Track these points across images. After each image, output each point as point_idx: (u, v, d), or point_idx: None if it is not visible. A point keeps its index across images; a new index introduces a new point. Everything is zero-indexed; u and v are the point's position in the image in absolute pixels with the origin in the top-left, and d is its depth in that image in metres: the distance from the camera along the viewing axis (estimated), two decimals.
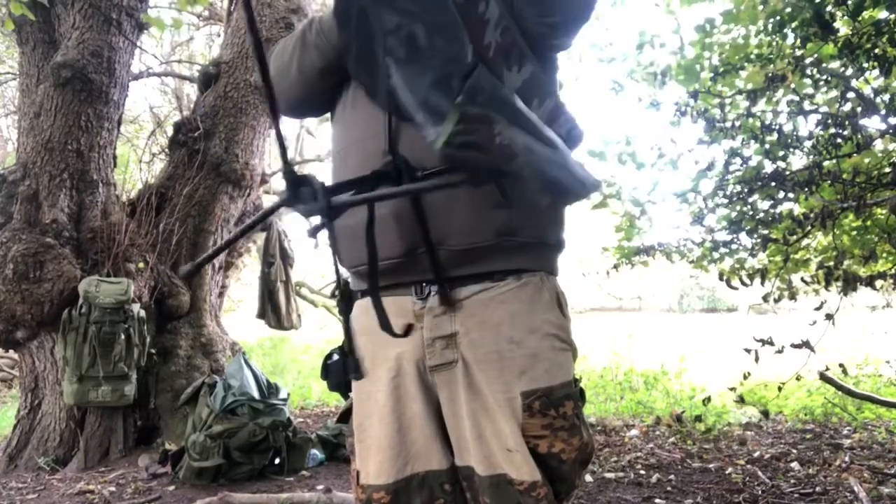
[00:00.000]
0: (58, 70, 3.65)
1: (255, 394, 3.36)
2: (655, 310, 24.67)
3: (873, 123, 2.68)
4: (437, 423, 1.06)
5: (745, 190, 2.94)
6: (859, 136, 2.55)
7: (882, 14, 2.47)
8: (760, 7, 2.81)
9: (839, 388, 3.80)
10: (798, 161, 3.07)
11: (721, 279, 3.14)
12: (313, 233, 0.91)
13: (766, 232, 2.99)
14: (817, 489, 2.77)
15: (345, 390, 1.21)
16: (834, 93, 2.87)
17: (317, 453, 3.54)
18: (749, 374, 2.85)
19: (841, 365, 3.19)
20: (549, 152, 0.79)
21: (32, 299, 3.48)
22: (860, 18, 2.47)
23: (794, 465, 3.19)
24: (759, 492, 2.79)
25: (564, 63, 5.06)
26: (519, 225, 1.02)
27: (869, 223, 3.06)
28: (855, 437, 3.75)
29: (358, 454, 1.11)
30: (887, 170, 2.61)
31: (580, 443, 1.02)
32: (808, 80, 2.85)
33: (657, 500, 2.74)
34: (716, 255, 3.48)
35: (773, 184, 2.80)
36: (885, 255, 3.15)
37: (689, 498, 2.76)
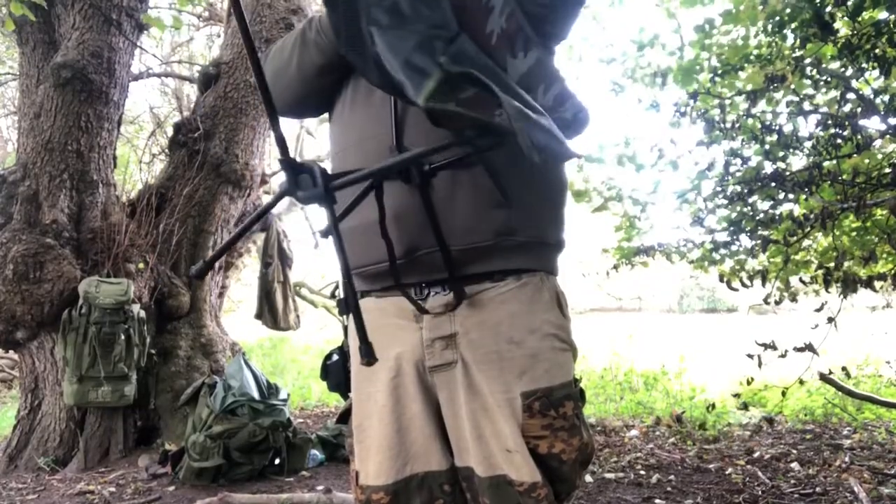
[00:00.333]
0: (58, 70, 3.65)
1: (255, 394, 3.36)
2: (655, 310, 24.66)
3: (873, 124, 2.68)
4: (437, 424, 1.06)
5: (745, 190, 2.94)
6: (859, 137, 2.55)
7: (882, 15, 2.47)
8: (760, 8, 2.81)
9: (839, 388, 3.80)
10: (798, 162, 3.07)
11: (721, 280, 3.14)
12: (326, 234, 0.91)
13: (766, 233, 2.99)
14: (817, 489, 2.77)
15: (344, 390, 1.21)
16: (834, 93, 2.88)
17: (317, 454, 3.54)
18: (752, 379, 2.85)
19: (844, 368, 3.19)
20: (536, 116, 0.79)
21: (32, 300, 3.48)
22: (860, 19, 2.47)
23: (795, 465, 3.19)
24: (759, 492, 2.79)
25: (564, 63, 5.06)
26: (518, 225, 1.02)
27: (869, 224, 3.06)
28: (855, 438, 3.75)
29: (357, 455, 1.11)
30: (887, 170, 2.61)
31: (580, 443, 1.02)
32: (807, 81, 2.85)
33: (657, 501, 2.74)
34: (716, 256, 3.48)
35: (773, 184, 2.80)
36: (884, 255, 3.15)
37: (689, 498, 2.76)
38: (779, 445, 3.64)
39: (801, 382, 2.92)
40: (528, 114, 0.75)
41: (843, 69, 2.71)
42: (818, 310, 2.69)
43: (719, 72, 2.94)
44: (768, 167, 2.92)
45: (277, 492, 2.97)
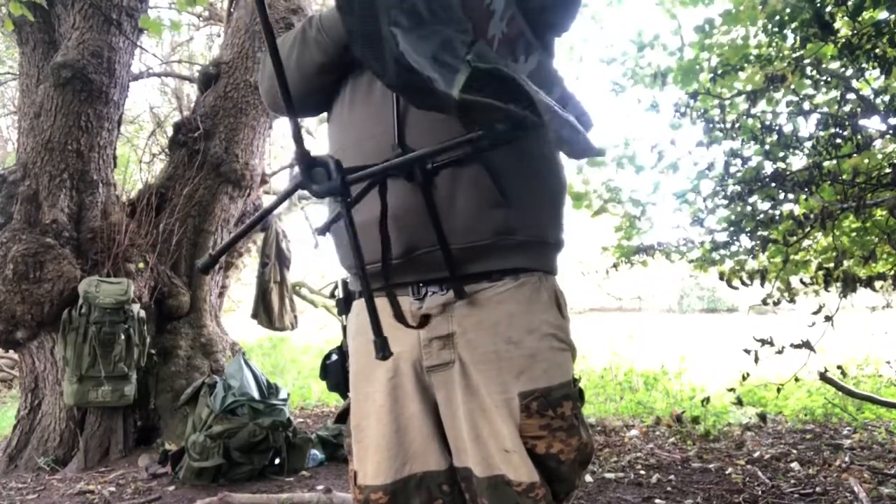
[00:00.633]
0: (58, 70, 3.65)
1: (255, 394, 3.36)
2: (655, 310, 24.66)
3: (873, 124, 2.68)
4: (435, 424, 1.06)
5: (745, 191, 2.94)
6: (859, 137, 2.55)
7: (882, 14, 2.47)
8: (760, 7, 2.81)
9: (839, 388, 3.80)
10: (798, 162, 3.07)
11: (721, 279, 3.14)
12: (323, 231, 0.91)
13: (765, 233, 2.99)
14: (817, 489, 2.77)
15: (343, 390, 1.21)
16: (834, 93, 2.88)
17: (317, 453, 3.54)
18: (748, 374, 2.84)
19: (840, 367, 3.19)
20: (562, 112, 0.79)
21: (32, 299, 3.48)
22: (860, 19, 2.47)
23: (794, 465, 3.19)
24: (759, 492, 2.79)
25: (564, 64, 5.06)
26: (518, 224, 1.02)
27: (869, 224, 3.06)
28: (855, 438, 3.75)
29: (356, 455, 1.11)
30: (887, 170, 2.61)
31: (579, 443, 1.02)
32: (807, 81, 2.85)
33: (657, 501, 2.74)
34: (716, 256, 3.48)
35: (773, 184, 2.80)
36: (884, 255, 3.15)
37: (689, 498, 2.76)
38: (779, 445, 3.64)
39: (797, 380, 2.92)
40: (556, 109, 0.76)
41: (843, 69, 2.71)
42: (816, 312, 2.69)
43: (719, 72, 2.93)
44: (768, 167, 2.92)
45: (277, 492, 2.97)
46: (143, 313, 3.71)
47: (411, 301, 1.05)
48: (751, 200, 3.09)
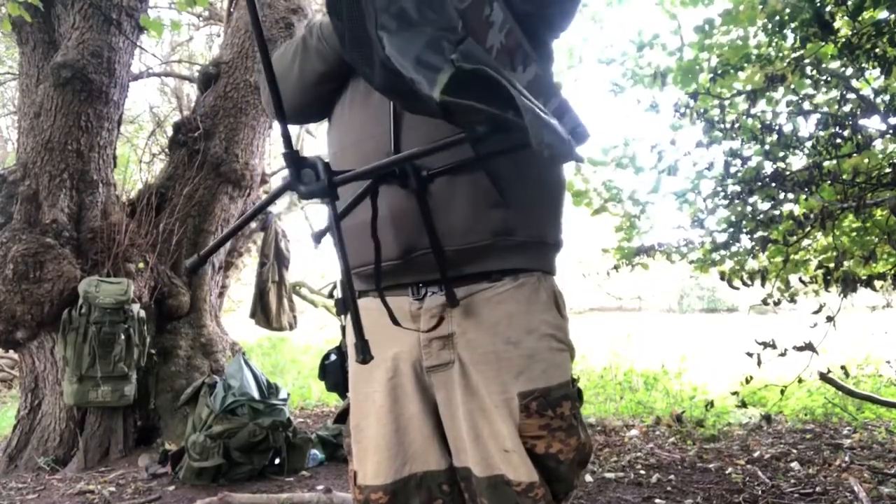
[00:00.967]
0: (58, 70, 3.65)
1: (255, 394, 3.37)
2: (655, 310, 24.64)
3: (873, 124, 2.68)
4: (435, 424, 1.06)
5: (745, 191, 2.94)
6: (859, 137, 2.54)
7: (882, 14, 2.47)
8: (760, 7, 2.81)
9: (839, 388, 3.80)
10: (798, 161, 3.07)
11: (722, 279, 3.14)
12: (318, 238, 0.91)
13: (765, 233, 2.99)
14: (817, 489, 2.77)
15: (342, 390, 1.21)
16: (834, 93, 2.88)
17: (317, 453, 3.54)
18: (751, 378, 2.84)
19: (843, 367, 3.19)
20: (545, 115, 0.79)
21: (32, 299, 3.48)
22: (860, 18, 2.47)
23: (795, 465, 3.19)
24: (759, 492, 2.79)
25: (564, 64, 5.05)
26: (517, 224, 1.02)
27: (869, 224, 3.06)
28: (855, 437, 3.75)
29: (355, 455, 1.11)
30: (887, 170, 2.61)
31: (578, 443, 1.02)
32: (807, 81, 2.85)
33: (657, 501, 2.74)
34: (716, 256, 3.48)
35: (773, 184, 2.80)
36: (884, 255, 3.15)
37: (689, 498, 2.76)
38: (779, 445, 3.64)
39: (800, 381, 2.91)
40: (539, 112, 0.76)
41: (843, 69, 2.71)
42: (816, 311, 2.69)
43: (719, 72, 2.93)
44: (768, 167, 2.92)
45: (277, 492, 2.97)
46: (143, 313, 3.71)
47: (411, 301, 1.05)
48: (751, 200, 3.09)
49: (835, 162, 2.71)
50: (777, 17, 2.69)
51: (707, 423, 4.17)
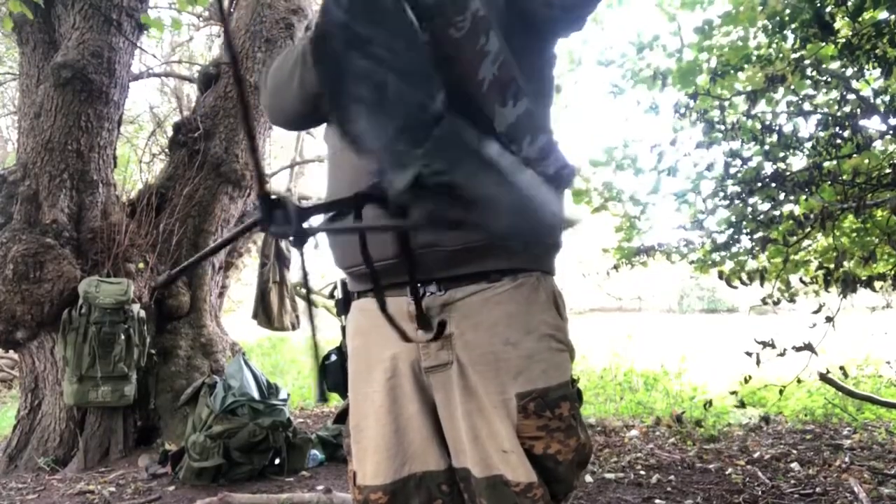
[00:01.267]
0: (58, 70, 3.65)
1: (255, 394, 3.36)
2: (655, 310, 24.63)
3: (873, 124, 2.68)
4: (434, 424, 1.06)
5: (745, 191, 2.94)
6: (859, 137, 2.55)
7: (882, 15, 2.47)
8: (760, 8, 2.81)
9: (839, 388, 3.80)
10: (798, 162, 3.07)
11: (721, 278, 3.14)
12: (296, 243, 0.91)
13: (765, 233, 2.99)
14: (817, 490, 2.77)
15: (343, 391, 1.21)
16: (834, 94, 2.88)
17: (317, 454, 3.54)
18: (750, 377, 2.84)
19: (842, 367, 3.19)
20: (512, 198, 0.80)
21: (32, 299, 3.48)
22: (860, 19, 2.47)
23: (794, 465, 3.19)
24: (759, 492, 2.79)
25: (564, 67, 5.05)
26: None
27: (869, 224, 3.06)
28: (855, 438, 3.75)
29: (355, 455, 1.11)
30: (887, 171, 2.61)
31: (577, 444, 1.02)
32: (807, 81, 2.85)
33: (657, 501, 2.74)
34: (716, 256, 3.48)
35: (773, 185, 2.80)
36: (884, 256, 3.15)
37: (689, 498, 2.76)
38: (779, 445, 3.64)
39: (799, 381, 2.92)
40: (502, 197, 0.78)
41: (843, 69, 2.71)
42: (816, 311, 2.69)
43: (719, 72, 2.94)
44: (768, 168, 2.92)
45: (277, 492, 2.97)
46: (143, 313, 3.71)
47: (409, 301, 1.05)
48: (751, 201, 3.09)
49: (835, 162, 2.71)
50: (777, 18, 2.70)
51: (707, 424, 4.17)
